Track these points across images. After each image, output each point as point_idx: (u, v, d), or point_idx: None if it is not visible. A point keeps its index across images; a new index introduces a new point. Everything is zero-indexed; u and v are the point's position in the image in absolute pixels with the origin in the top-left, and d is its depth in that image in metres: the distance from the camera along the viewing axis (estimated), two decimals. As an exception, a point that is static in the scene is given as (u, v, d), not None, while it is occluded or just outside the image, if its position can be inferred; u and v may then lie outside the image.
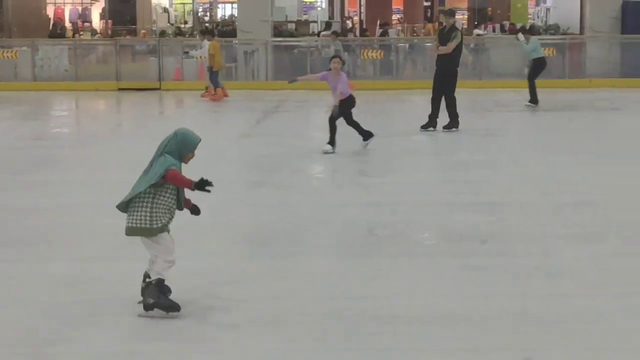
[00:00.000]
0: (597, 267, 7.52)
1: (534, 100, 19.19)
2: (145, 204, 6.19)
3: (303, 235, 8.69)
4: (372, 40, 28.27)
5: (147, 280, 6.20)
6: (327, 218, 9.38)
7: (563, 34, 27.16)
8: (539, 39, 20.41)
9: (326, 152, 13.08)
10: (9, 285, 7.12)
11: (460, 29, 15.93)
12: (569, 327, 6.04)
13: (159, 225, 6.17)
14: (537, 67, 19.45)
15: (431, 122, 15.75)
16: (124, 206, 6.29)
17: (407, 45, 28.03)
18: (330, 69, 13.40)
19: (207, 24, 26.91)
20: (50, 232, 8.95)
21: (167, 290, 6.25)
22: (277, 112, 19.94)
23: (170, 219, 6.29)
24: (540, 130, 16.47)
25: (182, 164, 6.30)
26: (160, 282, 6.18)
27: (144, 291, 6.22)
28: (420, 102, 21.15)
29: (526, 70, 20.23)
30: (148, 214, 6.17)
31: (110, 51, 26.31)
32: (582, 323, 6.12)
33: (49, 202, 10.34)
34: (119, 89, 24.55)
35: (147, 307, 6.15)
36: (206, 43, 22.25)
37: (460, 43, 15.80)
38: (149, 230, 6.15)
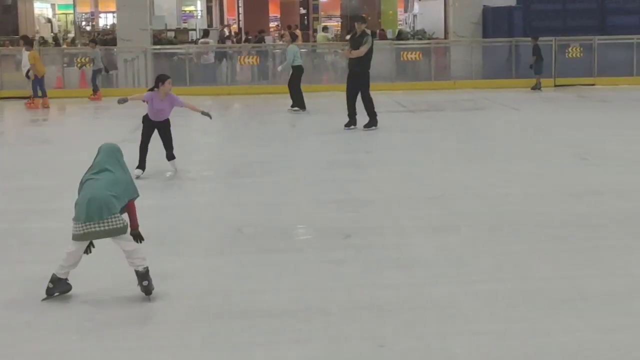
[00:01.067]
0: (445, 257, 8.04)
1: (300, 105, 20.55)
2: (120, 209, 6.82)
3: (176, 234, 8.97)
4: (248, 47, 29.08)
5: (140, 270, 6.79)
6: (198, 218, 9.79)
7: (429, 38, 28.30)
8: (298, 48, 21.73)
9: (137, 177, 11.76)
10: None
11: (369, 34, 17.20)
12: (419, 314, 6.41)
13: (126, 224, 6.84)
14: (297, 74, 20.78)
15: (352, 121, 16.96)
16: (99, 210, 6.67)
17: (281, 51, 28.86)
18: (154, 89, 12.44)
19: (34, 36, 26.95)
20: None
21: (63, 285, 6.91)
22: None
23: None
24: (407, 130, 17.40)
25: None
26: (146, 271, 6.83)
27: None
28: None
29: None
30: (120, 217, 6.75)
31: (-9, 61, 26.52)
32: (433, 310, 6.52)
33: None
34: (1, 98, 24.82)
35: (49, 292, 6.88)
36: (25, 53, 22.66)
37: (372, 47, 16.94)
38: (126, 229, 6.78)
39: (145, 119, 12.59)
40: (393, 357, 5.68)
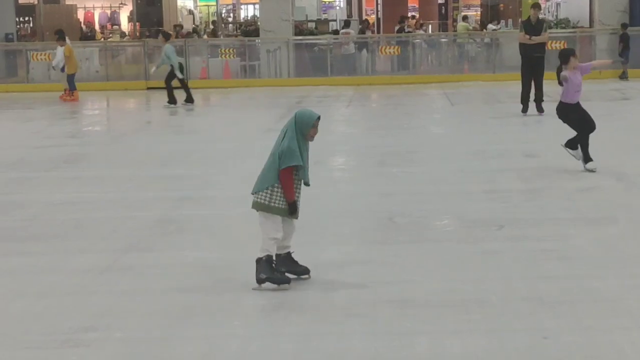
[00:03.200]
0: (605, 249, 8.27)
1: (172, 100, 21.15)
2: (269, 183, 6.77)
3: (326, 224, 8.99)
4: (390, 37, 29.09)
5: (257, 257, 6.80)
6: (348, 207, 9.81)
7: (573, 27, 27.74)
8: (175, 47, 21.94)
9: None
10: (41, 278, 7.38)
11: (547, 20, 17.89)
12: (582, 307, 6.27)
13: (277, 205, 6.74)
14: (172, 72, 21.12)
15: (526, 107, 17.41)
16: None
17: (422, 41, 28.78)
18: None
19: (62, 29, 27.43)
20: (81, 226, 9.25)
21: (284, 262, 6.92)
22: (299, 107, 20.54)
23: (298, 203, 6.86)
24: (557, 120, 17.09)
25: (308, 141, 6.81)
26: (269, 258, 6.79)
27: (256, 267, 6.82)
28: (435, 94, 22.09)
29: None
30: (269, 194, 6.74)
31: (138, 52, 27.27)
32: (596, 303, 6.37)
33: (80, 197, 10.72)
34: (148, 88, 25.48)
35: (259, 281, 6.79)
36: (60, 49, 22.94)
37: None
38: (266, 207, 6.74)
39: None
40: (560, 349, 5.56)
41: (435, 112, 19.32)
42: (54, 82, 25.81)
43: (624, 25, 24.62)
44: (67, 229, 9.16)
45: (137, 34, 34.48)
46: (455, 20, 36.42)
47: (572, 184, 10.75)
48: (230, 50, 26.69)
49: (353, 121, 18.51)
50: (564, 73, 11.25)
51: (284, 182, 6.74)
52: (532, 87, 17.34)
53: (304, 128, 6.74)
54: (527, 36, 17.24)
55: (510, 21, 34.64)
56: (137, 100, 24.31)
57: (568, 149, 11.45)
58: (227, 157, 13.42)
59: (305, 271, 7.03)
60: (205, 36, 33.59)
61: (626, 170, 11.50)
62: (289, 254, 7.01)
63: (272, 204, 6.75)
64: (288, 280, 6.85)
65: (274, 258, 6.86)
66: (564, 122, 11.63)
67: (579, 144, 11.34)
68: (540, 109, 17.26)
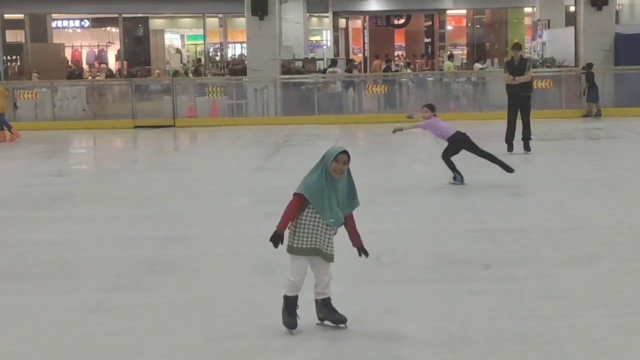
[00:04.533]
0: (591, 288, 8.32)
1: None
2: (293, 221, 6.56)
3: None
4: (376, 76, 29.23)
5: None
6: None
7: (559, 66, 27.96)
8: None
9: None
10: (26, 318, 7.33)
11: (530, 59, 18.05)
12: (569, 347, 6.26)
13: (298, 246, 6.49)
14: None
15: (511, 146, 17.55)
16: None
17: (409, 80, 28.93)
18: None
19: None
20: (68, 265, 9.21)
21: (294, 306, 6.61)
22: (287, 145, 20.61)
23: (317, 242, 6.51)
24: (540, 158, 17.23)
25: (334, 177, 6.51)
26: (286, 300, 6.61)
27: None
28: (422, 133, 22.13)
29: None
30: (292, 232, 6.53)
31: (126, 91, 27.33)
32: (583, 342, 6.36)
33: (67, 236, 10.66)
34: (135, 127, 25.48)
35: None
36: None
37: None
38: (289, 248, 6.53)
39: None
40: (545, 390, 5.57)
41: (421, 150, 19.37)
42: (41, 121, 25.86)
43: (589, 65, 24.98)
44: (53, 269, 9.11)
45: (125, 72, 34.58)
46: (442, 59, 36.64)
47: (558, 223, 10.78)
48: (218, 89, 26.76)
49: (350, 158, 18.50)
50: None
51: (286, 208, 6.54)
52: (518, 126, 17.44)
53: (327, 160, 6.50)
54: (511, 77, 17.36)
55: (496, 60, 34.89)
56: (124, 138, 24.30)
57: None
58: (215, 196, 13.42)
59: (341, 320, 6.75)
60: (190, 75, 33.72)
61: (610, 210, 11.54)
62: (325, 300, 6.74)
63: (294, 244, 6.53)
64: (291, 326, 6.63)
65: (291, 299, 6.63)
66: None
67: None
68: (527, 148, 17.34)
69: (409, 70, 33.30)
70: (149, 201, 13.20)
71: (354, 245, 6.76)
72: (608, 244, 9.55)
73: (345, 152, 6.53)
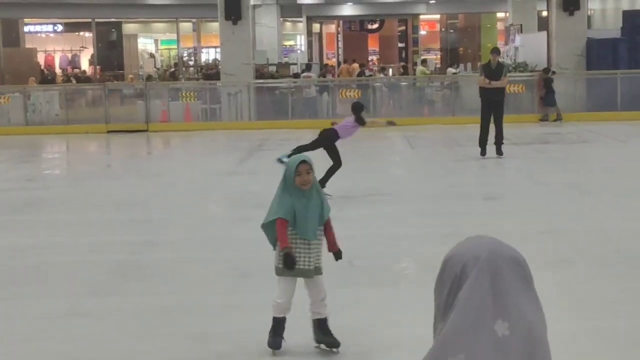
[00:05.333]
0: (562, 292, 8.34)
1: None
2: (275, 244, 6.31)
3: None
4: (350, 80, 29.29)
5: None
6: None
7: (531, 71, 28.09)
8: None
9: None
10: (0, 323, 7.32)
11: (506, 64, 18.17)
12: None
13: (280, 266, 6.22)
14: None
15: (484, 150, 17.46)
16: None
17: (382, 84, 29.01)
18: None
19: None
20: (41, 270, 9.15)
21: (280, 327, 6.34)
22: (261, 150, 20.54)
23: (299, 261, 6.19)
24: (514, 163, 17.35)
25: (301, 187, 6.19)
26: (273, 321, 6.33)
27: None
28: (396, 137, 22.21)
29: None
30: (275, 254, 6.29)
31: (99, 95, 27.21)
32: (553, 346, 6.70)
33: (39, 241, 10.59)
34: (109, 132, 25.34)
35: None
36: None
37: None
38: (275, 269, 6.29)
39: None
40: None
41: (395, 154, 19.45)
42: (14, 126, 25.72)
43: (546, 70, 25.19)
44: (27, 274, 9.08)
45: (98, 77, 34.47)
46: (415, 64, 36.74)
47: (531, 227, 10.83)
48: (191, 94, 26.73)
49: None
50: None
51: (278, 231, 6.19)
52: (491, 130, 17.52)
53: (288, 177, 6.20)
54: (487, 80, 17.44)
55: (469, 65, 35.04)
56: (98, 143, 24.21)
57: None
58: (188, 201, 13.41)
59: (334, 344, 6.41)
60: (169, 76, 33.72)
61: (583, 214, 11.62)
62: (320, 321, 6.42)
63: (278, 264, 6.27)
64: (274, 346, 6.36)
65: (278, 321, 6.37)
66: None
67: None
68: (499, 152, 17.42)
69: (382, 75, 33.37)
70: (123, 206, 13.18)
71: (329, 250, 6.51)
72: (580, 249, 9.64)
73: (304, 162, 6.25)
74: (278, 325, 6.36)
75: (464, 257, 2.31)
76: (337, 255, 6.56)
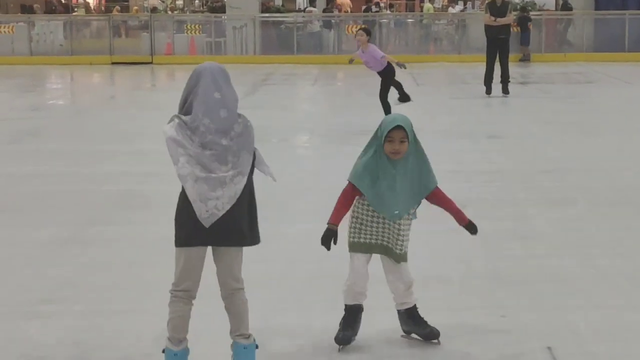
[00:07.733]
0: (564, 230, 8.34)
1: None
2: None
3: (288, 200, 8.96)
4: (356, 16, 29.07)
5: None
6: (310, 185, 9.82)
7: (539, 10, 27.87)
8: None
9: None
10: (1, 249, 7.35)
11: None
12: (540, 287, 6.29)
13: (352, 240, 5.24)
14: None
15: (490, 89, 17.52)
16: None
17: (389, 21, 28.82)
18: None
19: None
20: (43, 199, 9.20)
21: (352, 318, 5.29)
22: (265, 84, 20.55)
23: (377, 237, 5.21)
24: (519, 102, 17.29)
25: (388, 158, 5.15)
26: (346, 309, 5.34)
27: None
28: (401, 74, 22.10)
29: None
30: (349, 224, 5.29)
31: (103, 27, 27.08)
32: (553, 282, 6.39)
33: (43, 170, 10.67)
34: (113, 63, 25.32)
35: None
36: None
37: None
38: (348, 243, 5.28)
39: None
40: (516, 327, 5.62)
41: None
42: (18, 55, 25.65)
43: (523, 9, 25.08)
44: (28, 202, 9.12)
45: (103, 8, 34.24)
46: (422, 1, 36.39)
47: (534, 165, 10.84)
48: (196, 27, 26.57)
49: (318, 100, 18.54)
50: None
51: (338, 197, 5.24)
52: (497, 69, 17.43)
53: (379, 137, 5.12)
54: (492, 18, 17.32)
55: (477, 2, 34.73)
56: (102, 74, 24.14)
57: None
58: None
59: (433, 335, 5.35)
60: (169, 12, 33.44)
61: (587, 153, 11.60)
62: (409, 310, 5.40)
63: (349, 238, 5.27)
64: (340, 341, 5.26)
65: (349, 309, 5.34)
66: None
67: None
68: (505, 91, 17.36)
69: (388, 12, 33.10)
70: (126, 137, 13.16)
71: (460, 224, 5.54)
72: (583, 188, 9.63)
73: (399, 127, 5.08)
74: (348, 315, 5.32)
75: (197, 71, 4.77)
76: (471, 228, 5.54)
